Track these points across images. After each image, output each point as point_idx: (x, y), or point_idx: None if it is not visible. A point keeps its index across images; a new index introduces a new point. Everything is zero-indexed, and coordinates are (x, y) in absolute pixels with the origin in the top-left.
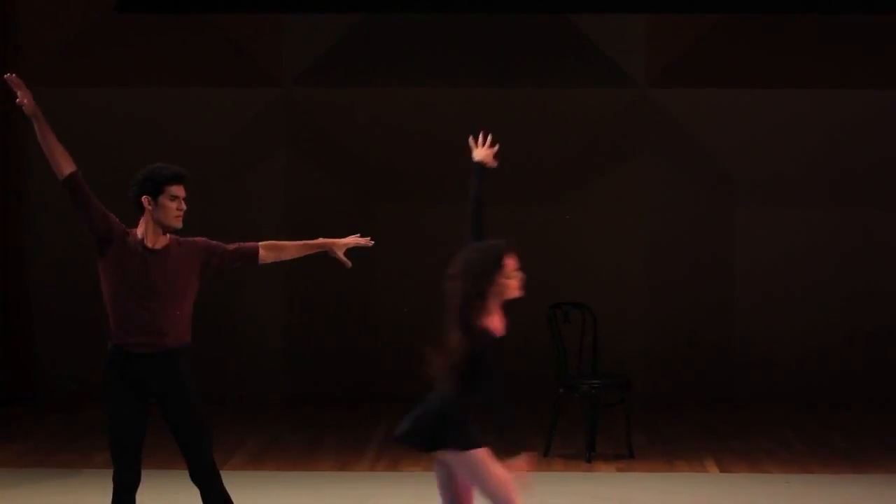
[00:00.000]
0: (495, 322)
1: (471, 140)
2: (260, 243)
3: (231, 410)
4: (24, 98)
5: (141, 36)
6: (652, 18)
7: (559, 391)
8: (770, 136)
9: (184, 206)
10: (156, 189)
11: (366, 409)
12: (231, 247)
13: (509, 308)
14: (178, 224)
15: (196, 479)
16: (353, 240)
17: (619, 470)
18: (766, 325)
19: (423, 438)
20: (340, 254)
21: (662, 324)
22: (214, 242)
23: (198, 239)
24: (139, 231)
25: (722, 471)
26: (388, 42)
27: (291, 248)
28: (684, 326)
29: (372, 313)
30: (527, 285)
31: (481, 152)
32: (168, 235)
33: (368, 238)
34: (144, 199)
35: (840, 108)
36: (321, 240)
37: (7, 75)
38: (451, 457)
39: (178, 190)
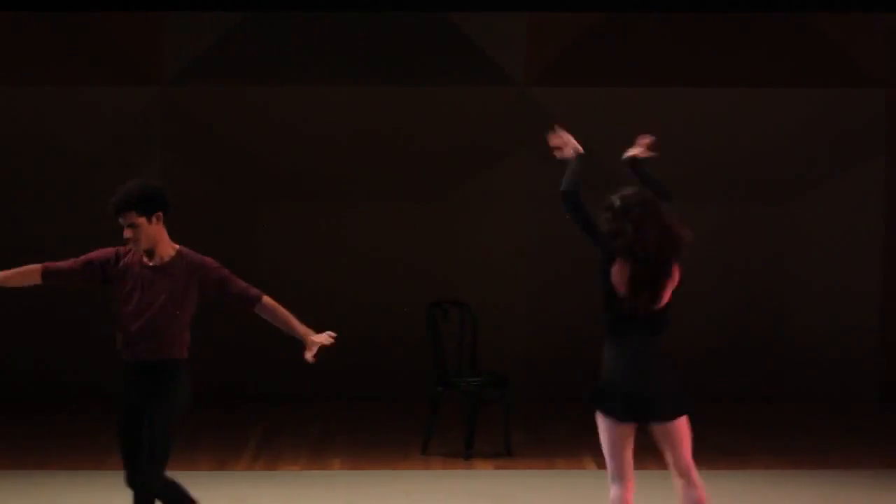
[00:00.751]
0: None
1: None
2: (263, 299)
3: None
4: None
5: (16, 33)
6: (531, 17)
7: (438, 389)
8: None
9: (129, 235)
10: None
11: (242, 408)
12: (234, 287)
13: (388, 306)
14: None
15: (131, 486)
16: (324, 338)
17: (498, 468)
18: None
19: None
20: (311, 351)
21: (542, 322)
22: (221, 276)
23: (212, 269)
24: (136, 248)
25: (600, 468)
26: (269, 40)
27: (281, 316)
28: (564, 324)
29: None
30: (406, 284)
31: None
32: (171, 247)
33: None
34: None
35: (715, 106)
36: (304, 329)
37: None
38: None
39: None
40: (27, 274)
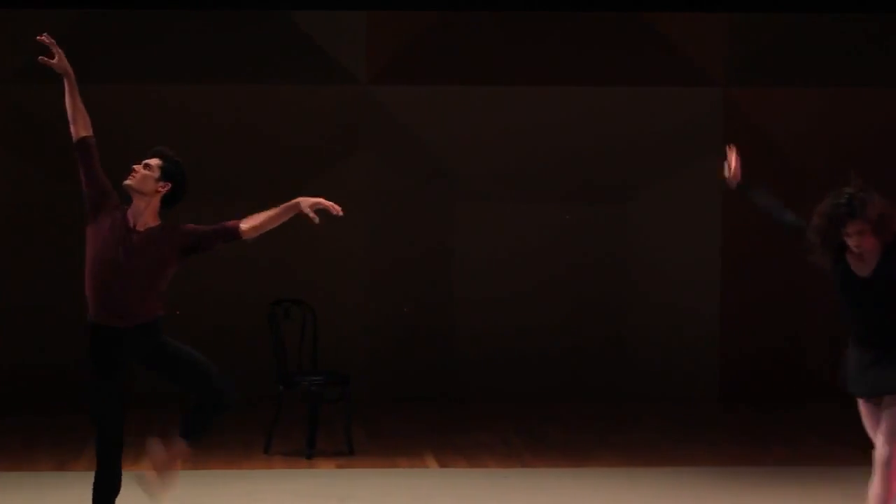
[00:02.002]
0: None
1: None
2: (240, 221)
3: None
4: (58, 57)
5: None
6: (371, 16)
7: (279, 388)
8: (490, 133)
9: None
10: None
11: (84, 409)
12: (208, 228)
13: (230, 304)
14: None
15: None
16: (319, 200)
17: (340, 466)
18: (487, 320)
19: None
20: (309, 211)
21: (384, 320)
22: (193, 227)
23: (185, 226)
24: (130, 210)
25: (442, 466)
26: (108, 37)
27: (266, 220)
28: (405, 323)
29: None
30: (248, 282)
31: (733, 172)
32: (158, 220)
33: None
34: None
35: (554, 105)
36: (289, 205)
37: (40, 36)
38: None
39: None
40: (80, 122)
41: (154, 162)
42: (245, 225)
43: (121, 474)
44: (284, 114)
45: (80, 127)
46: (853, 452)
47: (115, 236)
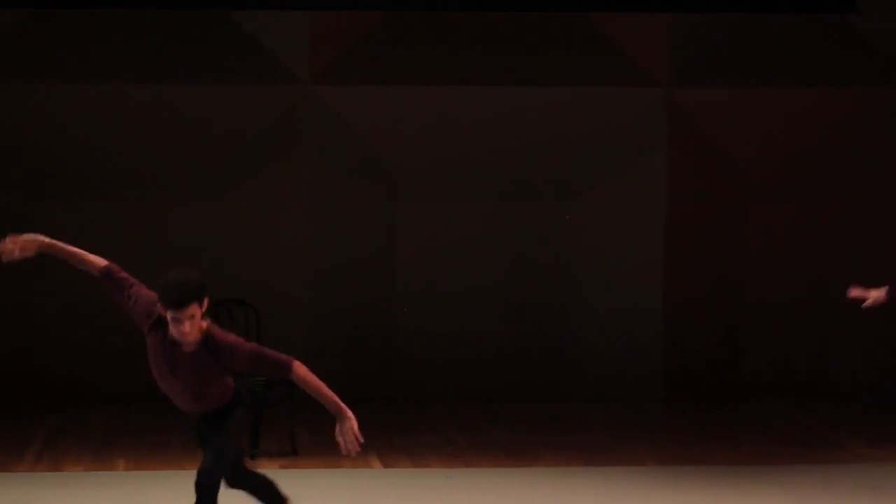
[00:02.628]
0: None
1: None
2: (294, 365)
3: None
4: (25, 246)
5: None
6: (315, 16)
7: None
8: (433, 132)
9: (186, 329)
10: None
11: (25, 409)
12: (258, 355)
13: None
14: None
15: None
16: (353, 427)
17: (283, 467)
18: (430, 320)
19: None
20: (344, 437)
21: (327, 320)
22: (248, 353)
23: (230, 341)
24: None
25: (385, 466)
26: (49, 37)
27: (312, 388)
28: (348, 322)
29: (38, 312)
30: None
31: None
32: (201, 332)
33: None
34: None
35: (498, 105)
36: (336, 404)
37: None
38: None
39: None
40: (89, 262)
41: (191, 311)
42: (297, 370)
43: None
44: (228, 113)
45: (91, 265)
46: (797, 451)
47: (163, 353)
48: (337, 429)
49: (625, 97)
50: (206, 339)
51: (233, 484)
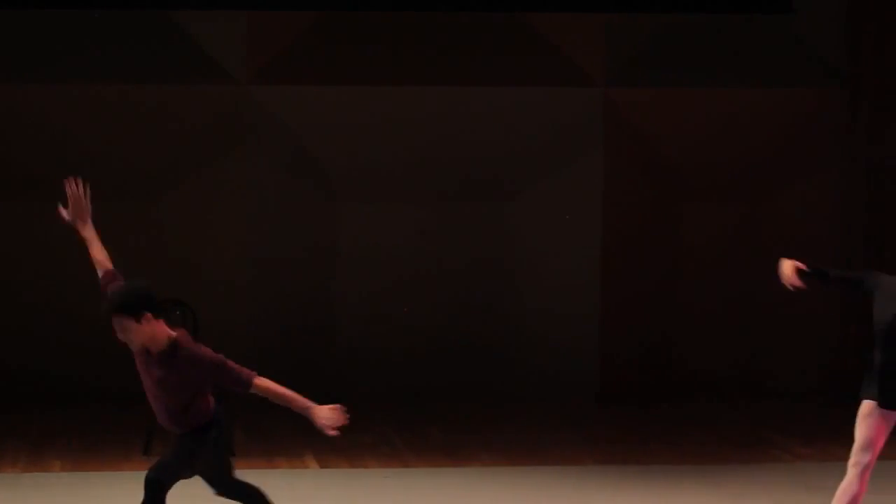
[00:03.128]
0: None
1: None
2: (255, 381)
3: None
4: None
5: None
6: (251, 16)
7: None
8: (370, 132)
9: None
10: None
11: None
12: (227, 379)
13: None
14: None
15: None
16: (333, 415)
17: None
18: (367, 320)
19: None
20: (325, 424)
21: (264, 320)
22: (212, 364)
23: (198, 353)
24: None
25: (322, 466)
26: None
27: (280, 397)
28: (283, 322)
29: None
30: None
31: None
32: (167, 339)
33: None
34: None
35: (433, 104)
36: (304, 403)
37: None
38: None
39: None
40: (101, 260)
41: (119, 323)
42: (258, 384)
43: None
44: (165, 113)
45: (100, 263)
46: (733, 451)
47: (140, 358)
48: (316, 424)
49: (562, 97)
50: (173, 347)
51: (223, 493)
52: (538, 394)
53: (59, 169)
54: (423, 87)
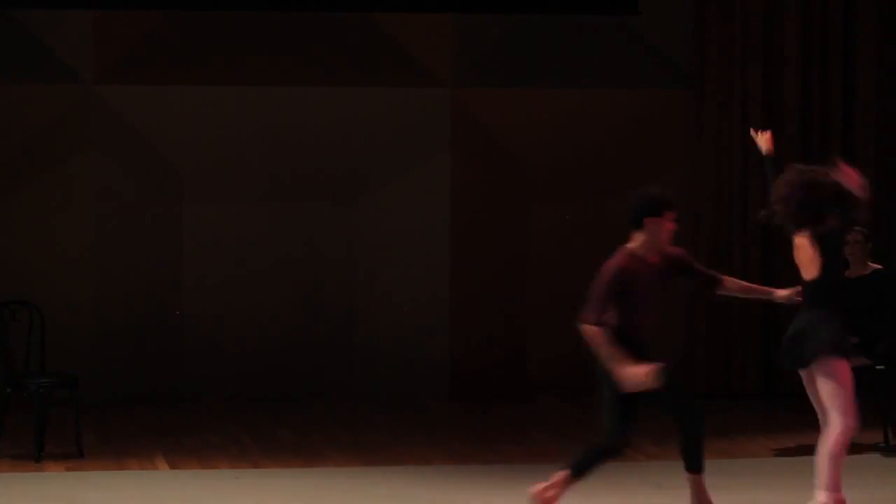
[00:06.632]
0: None
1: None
2: (724, 279)
3: None
4: None
5: None
6: (97, 15)
7: (6, 391)
8: (219, 133)
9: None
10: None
11: None
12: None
13: None
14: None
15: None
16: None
17: (69, 469)
18: (216, 321)
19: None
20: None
21: (112, 320)
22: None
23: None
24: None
25: (172, 468)
26: None
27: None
28: (132, 324)
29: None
30: None
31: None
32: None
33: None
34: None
35: (284, 105)
36: (764, 289)
37: None
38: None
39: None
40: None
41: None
42: (728, 280)
43: None
44: (10, 113)
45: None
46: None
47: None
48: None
49: (409, 97)
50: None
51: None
52: (389, 392)
53: None
54: (270, 87)
